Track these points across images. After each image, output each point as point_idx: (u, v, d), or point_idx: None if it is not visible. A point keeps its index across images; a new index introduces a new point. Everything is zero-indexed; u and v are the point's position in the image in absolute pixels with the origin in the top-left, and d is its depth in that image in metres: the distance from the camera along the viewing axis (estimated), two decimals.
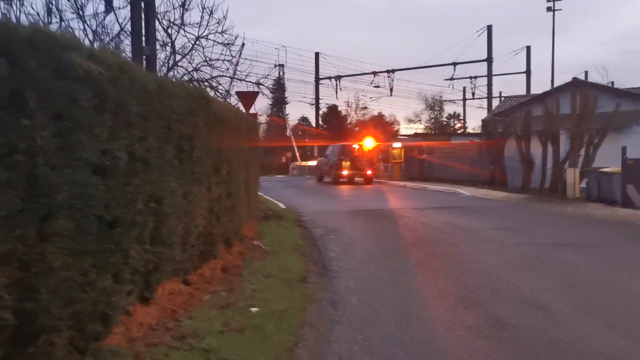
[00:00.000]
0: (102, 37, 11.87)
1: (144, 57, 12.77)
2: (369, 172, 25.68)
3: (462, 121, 65.26)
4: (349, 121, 62.87)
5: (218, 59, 12.49)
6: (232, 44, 12.71)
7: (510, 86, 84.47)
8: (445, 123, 66.94)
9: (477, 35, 45.68)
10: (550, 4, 42.57)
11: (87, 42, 11.45)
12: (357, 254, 8.36)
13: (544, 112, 20.01)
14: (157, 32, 11.09)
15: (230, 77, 12.34)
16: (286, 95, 63.71)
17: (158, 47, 12.16)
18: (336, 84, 48.13)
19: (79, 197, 2.99)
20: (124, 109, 3.56)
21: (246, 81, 12.69)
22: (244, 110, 15.75)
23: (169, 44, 12.30)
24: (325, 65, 50.20)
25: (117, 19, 11.48)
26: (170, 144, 4.52)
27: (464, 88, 55.76)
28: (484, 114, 43.29)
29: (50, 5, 11.06)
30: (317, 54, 49.04)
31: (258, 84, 12.97)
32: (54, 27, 11.07)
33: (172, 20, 11.90)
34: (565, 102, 19.46)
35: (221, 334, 4.34)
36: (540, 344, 4.32)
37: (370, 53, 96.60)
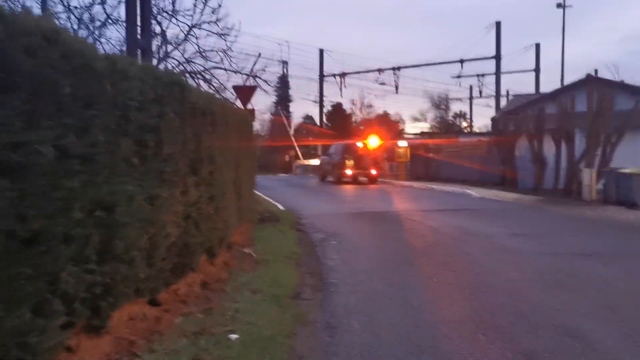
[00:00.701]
0: (89, 25, 11.07)
1: (139, 49, 11.99)
2: (373, 172, 24.80)
3: (468, 120, 64.23)
4: (353, 119, 62.00)
5: (212, 50, 11.66)
6: (228, 34, 11.88)
7: (518, 85, 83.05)
8: (451, 122, 65.97)
9: (486, 31, 44.75)
10: (561, 0, 41.51)
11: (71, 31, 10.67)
12: (359, 263, 7.49)
13: (557, 109, 19.10)
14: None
15: (225, 69, 11.48)
16: (290, 93, 63.01)
17: None
18: (341, 82, 47.31)
19: None
20: (49, 90, 2.71)
21: (241, 73, 11.84)
22: (241, 106, 14.96)
23: (160, 34, 11.48)
24: (329, 62, 49.42)
25: (103, 7, 10.67)
26: (128, 137, 3.67)
27: (471, 86, 54.69)
28: (490, 112, 42.34)
29: None
30: (321, 51, 48.19)
31: (254, 76, 12.11)
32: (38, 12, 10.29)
33: (162, 7, 11.09)
34: (579, 99, 18.56)
35: None
36: None
37: (376, 50, 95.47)
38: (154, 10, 11.11)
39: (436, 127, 60.71)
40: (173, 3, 10.97)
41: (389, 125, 56.11)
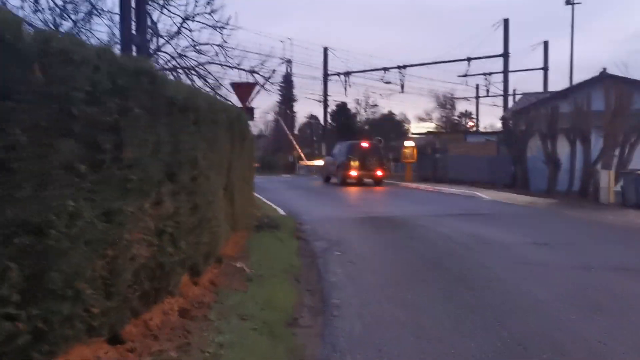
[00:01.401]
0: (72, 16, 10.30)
1: (135, 46, 11.22)
2: (379, 173, 23.97)
3: (474, 119, 63.25)
4: (358, 119, 61.19)
5: (207, 44, 10.87)
6: (224, 27, 11.09)
7: (524, 85, 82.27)
8: (456, 122, 65.08)
9: (493, 29, 43.75)
10: None
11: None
12: (365, 278, 6.68)
13: (571, 108, 18.25)
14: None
15: (220, 64, 10.69)
16: (294, 93, 62.26)
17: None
18: (345, 81, 46.40)
19: None
20: None
21: (238, 68, 11.04)
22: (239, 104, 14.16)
23: (150, 26, 10.69)
24: (333, 61, 48.57)
25: None
26: (71, 138, 2.88)
27: (477, 85, 53.78)
28: (497, 112, 41.45)
29: None
30: (325, 49, 47.33)
31: (252, 72, 11.31)
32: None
33: None
34: (594, 97, 17.71)
35: None
36: None
37: (381, 48, 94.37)
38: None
39: (442, 127, 59.83)
40: None
41: (394, 125, 55.32)
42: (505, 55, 42.28)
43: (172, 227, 4.39)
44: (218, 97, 11.54)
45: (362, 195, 19.68)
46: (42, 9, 10.21)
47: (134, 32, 10.99)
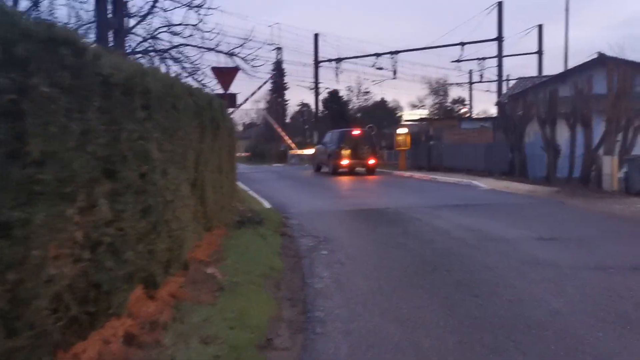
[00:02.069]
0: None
1: (112, 30, 10.30)
2: (371, 162, 23.15)
3: (467, 105, 62.47)
4: (350, 107, 60.34)
5: (181, 24, 9.96)
6: (200, 6, 10.18)
7: (518, 70, 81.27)
8: (449, 108, 64.34)
9: (486, 13, 42.86)
10: None
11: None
12: (355, 283, 5.88)
13: (570, 92, 17.46)
14: None
15: (197, 46, 9.79)
16: (285, 81, 61.25)
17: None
18: (336, 67, 45.47)
19: None
20: None
21: (216, 51, 10.14)
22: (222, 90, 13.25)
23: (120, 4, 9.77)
24: (324, 47, 47.57)
25: None
26: None
27: (470, 71, 53.06)
28: (491, 97, 40.66)
29: None
30: (316, 35, 46.26)
31: (231, 54, 10.41)
32: None
33: None
34: (594, 81, 16.92)
35: None
36: None
37: (373, 34, 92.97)
38: None
39: (435, 114, 59.07)
40: None
41: (386, 112, 54.49)
42: (499, 39, 41.43)
43: (112, 235, 3.55)
44: (197, 83, 10.67)
45: (353, 185, 18.87)
46: None
47: (110, 14, 10.10)
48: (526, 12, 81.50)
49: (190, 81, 10.68)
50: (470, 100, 60.27)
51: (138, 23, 10.00)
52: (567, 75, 22.64)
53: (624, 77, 15.34)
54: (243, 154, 49.02)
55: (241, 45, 10.44)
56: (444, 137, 25.94)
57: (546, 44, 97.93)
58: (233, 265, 6.28)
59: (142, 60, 9.69)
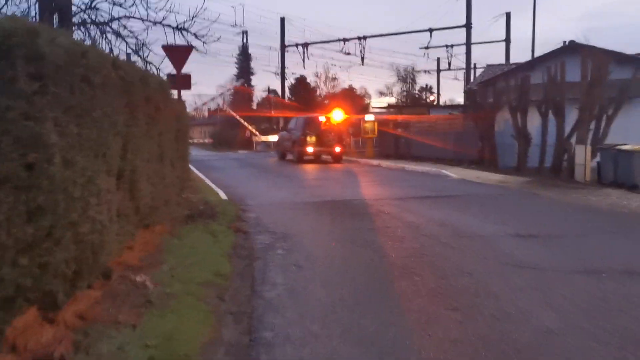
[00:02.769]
0: None
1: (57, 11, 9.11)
2: (337, 149, 22.29)
3: (434, 93, 62.18)
4: (318, 93, 59.41)
5: None
6: None
7: (485, 59, 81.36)
8: (417, 96, 64.02)
9: (455, 0, 42.25)
10: None
11: None
12: (313, 293, 5.02)
13: (541, 79, 16.91)
14: None
15: (140, 18, 8.70)
16: (252, 65, 59.79)
17: None
18: (303, 52, 44.37)
19: None
20: None
21: (163, 25, 9.06)
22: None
23: None
24: (290, 30, 46.36)
25: None
26: None
27: (438, 58, 52.66)
28: (459, 85, 40.32)
29: None
30: (282, 19, 45.03)
31: (181, 29, 9.34)
32: None
33: None
34: (566, 68, 16.39)
35: None
36: None
37: (340, 18, 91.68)
38: None
39: (403, 102, 58.59)
40: None
41: (354, 99, 53.71)
42: (467, 26, 41.00)
43: None
44: (144, 62, 9.58)
45: (318, 174, 18.01)
46: None
47: None
48: (494, 1, 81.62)
49: (136, 60, 9.58)
50: (438, 88, 59.98)
51: None
52: (537, 62, 22.19)
53: (598, 65, 14.83)
54: (206, 141, 47.57)
55: (192, 19, 9.33)
56: (412, 125, 25.27)
57: (512, 34, 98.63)
58: (170, 271, 5.34)
59: (80, 35, 8.55)
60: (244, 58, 58.83)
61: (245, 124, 43.23)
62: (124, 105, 4.97)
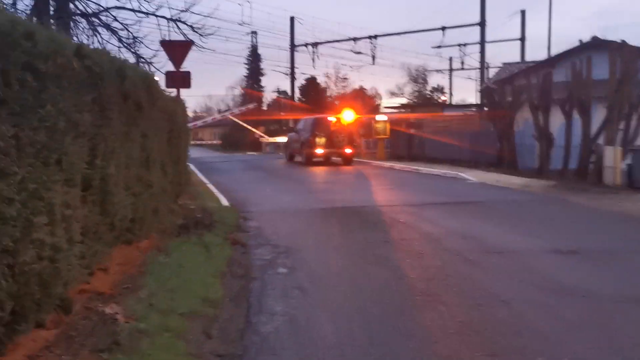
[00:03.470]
0: None
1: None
2: (348, 151, 21.38)
3: (446, 93, 61.02)
4: (328, 94, 58.52)
5: None
6: None
7: (498, 58, 79.93)
8: (429, 96, 62.93)
9: None
10: None
11: None
12: (317, 326, 4.15)
13: (564, 76, 15.91)
14: None
15: (131, 9, 7.88)
16: (262, 67, 59.12)
17: None
18: (313, 52, 43.49)
19: None
20: None
21: (156, 16, 8.24)
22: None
23: None
24: (299, 29, 45.15)
25: None
26: None
27: (451, 58, 51.57)
28: (471, 85, 39.24)
29: None
30: (292, 19, 44.21)
31: (176, 20, 8.52)
32: None
33: None
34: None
35: None
36: None
37: (351, 17, 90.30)
38: None
39: (413, 102, 57.59)
40: None
41: (365, 99, 52.78)
42: (482, 24, 39.83)
43: None
44: (136, 57, 8.77)
45: (328, 177, 17.13)
46: None
47: None
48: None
49: (128, 56, 8.79)
50: (451, 87, 58.82)
51: None
52: (557, 60, 21.17)
53: (627, 61, 13.82)
54: (216, 142, 46.92)
55: (187, 10, 8.49)
56: (426, 125, 24.33)
57: (527, 33, 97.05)
58: (149, 298, 4.50)
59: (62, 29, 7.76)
60: (254, 59, 58.16)
61: (249, 127, 42.35)
62: (92, 102, 4.13)
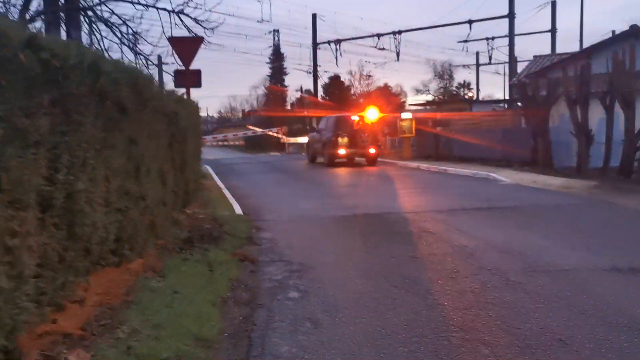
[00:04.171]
0: None
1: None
2: (372, 151, 20.46)
3: (472, 90, 59.44)
4: (352, 92, 57.56)
5: None
6: None
7: (526, 53, 77.85)
8: (455, 93, 61.45)
9: None
10: None
11: None
12: None
13: (608, 66, 14.75)
14: None
15: (130, 1, 7.16)
16: (285, 66, 58.59)
17: None
18: (336, 49, 42.63)
19: None
20: None
21: (157, 8, 7.50)
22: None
23: None
24: (321, 25, 44.36)
25: None
26: None
27: (477, 53, 50.17)
28: (498, 80, 37.87)
29: None
30: (314, 16, 43.47)
31: (179, 12, 7.78)
32: None
33: None
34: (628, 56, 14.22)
35: None
36: None
37: (374, 12, 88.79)
38: None
39: (439, 99, 56.25)
40: None
41: (389, 97, 51.68)
42: (510, 15, 38.40)
43: None
44: (134, 54, 8.06)
45: (350, 179, 16.28)
46: None
47: None
48: None
49: (131, 55, 8.09)
50: (477, 83, 57.26)
51: None
52: (592, 50, 19.91)
53: None
54: (238, 143, 46.48)
55: (189, 1, 7.73)
56: (454, 123, 23.26)
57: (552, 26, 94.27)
58: (128, 339, 3.73)
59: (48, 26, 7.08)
60: (276, 58, 57.65)
61: (267, 131, 41.70)
62: (51, 104, 3.38)
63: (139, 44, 7.71)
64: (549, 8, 42.72)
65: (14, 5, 7.47)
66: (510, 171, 15.68)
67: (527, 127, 17.72)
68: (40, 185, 3.26)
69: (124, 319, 4.05)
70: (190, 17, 7.92)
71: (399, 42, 40.11)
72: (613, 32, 40.53)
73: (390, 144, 27.62)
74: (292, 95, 61.70)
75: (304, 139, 29.91)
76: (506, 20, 38.50)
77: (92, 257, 4.10)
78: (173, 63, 9.36)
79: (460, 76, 60.10)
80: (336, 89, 54.05)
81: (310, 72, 46.17)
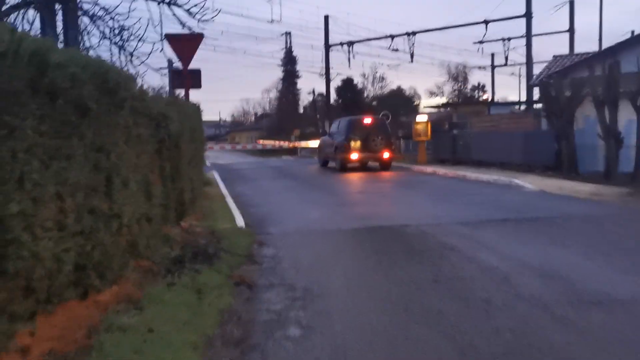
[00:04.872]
0: None
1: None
2: (386, 155, 19.57)
3: (487, 92, 58.22)
4: (365, 95, 56.68)
5: None
6: None
7: (542, 54, 76.27)
8: (469, 95, 60.30)
9: None
10: None
11: None
12: None
13: (639, 65, 13.77)
14: None
15: None
16: (297, 69, 57.92)
17: None
18: (349, 51, 41.78)
19: None
20: None
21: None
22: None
23: None
24: (333, 27, 43.53)
25: None
26: None
27: (493, 54, 49.09)
28: (514, 82, 36.80)
29: None
30: (326, 17, 42.67)
31: (169, 3, 6.98)
32: None
33: None
34: None
35: None
36: None
37: (387, 11, 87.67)
38: None
39: (456, 100, 55.13)
40: None
41: (403, 100, 50.74)
42: (527, 15, 37.23)
43: None
44: (119, 50, 7.28)
45: (363, 185, 15.40)
46: None
47: None
48: None
49: (119, 55, 7.33)
50: (493, 85, 56.01)
51: None
52: (618, 49, 18.87)
53: None
54: (249, 147, 45.85)
55: None
56: (471, 125, 22.29)
57: (568, 26, 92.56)
58: None
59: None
60: (289, 61, 57.02)
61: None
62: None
63: (125, 39, 6.92)
64: (565, 8, 41.42)
65: None
66: (533, 177, 14.69)
67: (549, 129, 16.73)
68: None
69: None
70: (183, 8, 7.11)
71: (413, 44, 39.10)
72: (632, 32, 39.19)
73: (405, 147, 26.70)
74: (305, 98, 61.04)
75: (315, 143, 29.09)
76: (522, 20, 37.43)
77: (38, 295, 3.29)
78: (170, 65, 8.57)
79: (474, 78, 58.95)
80: (349, 92, 53.20)
81: (322, 75, 45.37)
